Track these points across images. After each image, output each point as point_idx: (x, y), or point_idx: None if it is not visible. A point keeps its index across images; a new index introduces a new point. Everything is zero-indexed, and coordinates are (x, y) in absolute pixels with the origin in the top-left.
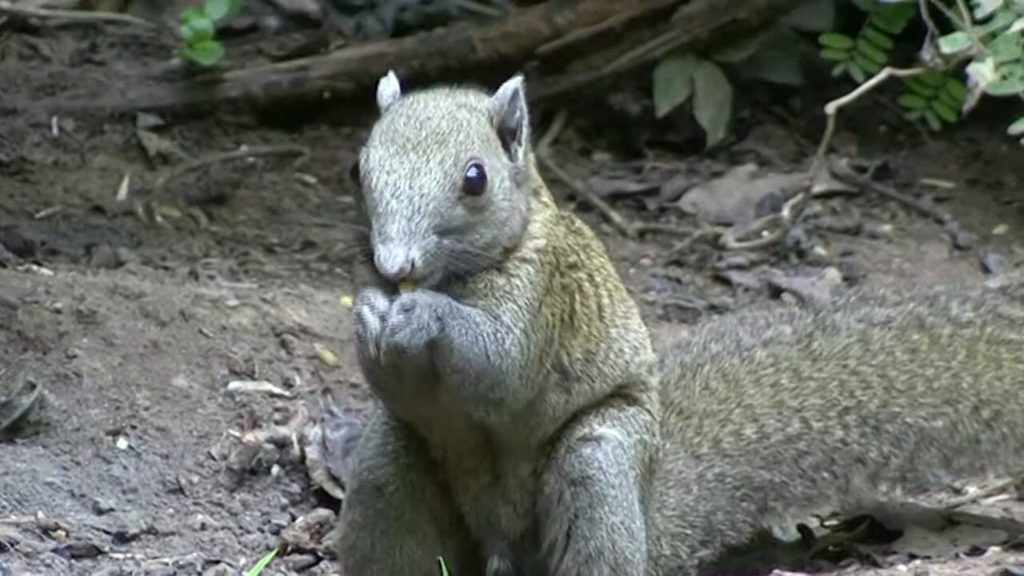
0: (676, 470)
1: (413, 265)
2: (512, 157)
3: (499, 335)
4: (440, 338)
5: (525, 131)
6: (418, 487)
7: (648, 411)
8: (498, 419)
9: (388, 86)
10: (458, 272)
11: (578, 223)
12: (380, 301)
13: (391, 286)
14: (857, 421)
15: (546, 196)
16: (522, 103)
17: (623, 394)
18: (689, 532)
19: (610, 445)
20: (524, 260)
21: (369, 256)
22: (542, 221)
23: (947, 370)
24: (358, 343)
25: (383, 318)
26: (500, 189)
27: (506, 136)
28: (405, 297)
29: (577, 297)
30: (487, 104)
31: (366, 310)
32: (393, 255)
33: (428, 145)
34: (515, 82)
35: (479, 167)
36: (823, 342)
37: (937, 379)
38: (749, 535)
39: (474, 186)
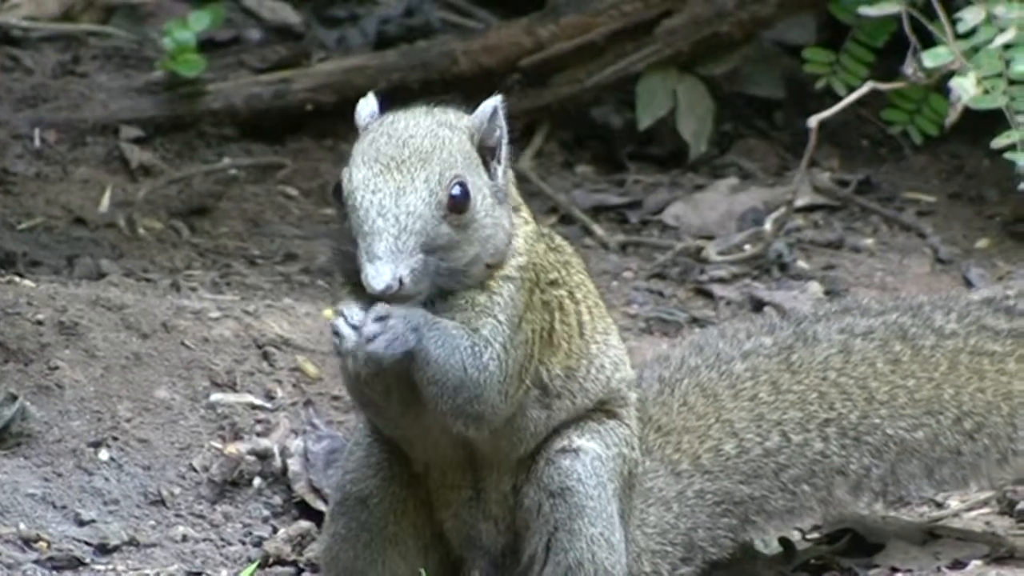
0: (656, 488)
1: (401, 283)
2: (492, 175)
3: (477, 348)
4: (417, 350)
5: (505, 149)
6: (401, 500)
7: (627, 425)
8: (478, 434)
9: (367, 106)
10: (442, 289)
11: (558, 240)
12: (355, 312)
13: (374, 303)
14: (837, 433)
15: (526, 213)
16: (502, 122)
17: (603, 409)
18: (670, 549)
19: (589, 457)
20: (506, 278)
21: (350, 274)
22: (523, 237)
23: (929, 381)
24: (338, 356)
25: (357, 328)
26: (483, 207)
27: (486, 154)
28: (380, 307)
29: (557, 314)
30: (467, 122)
31: (341, 322)
32: (381, 273)
33: (412, 164)
34: (494, 101)
35: (463, 185)
36: (803, 353)
37: (919, 390)
38: (731, 550)
39: (458, 204)
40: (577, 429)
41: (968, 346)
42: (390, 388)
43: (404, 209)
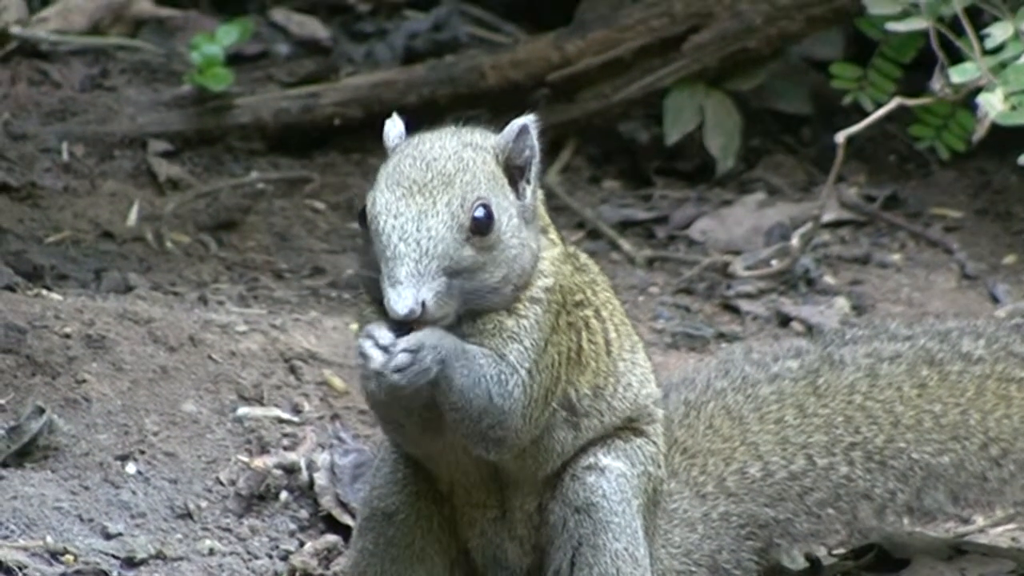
0: (681, 509)
1: (424, 307)
2: (520, 195)
3: (503, 376)
4: (441, 378)
5: (535, 169)
6: (427, 516)
7: (654, 443)
8: (499, 458)
9: (394, 127)
10: (471, 310)
11: (583, 258)
12: (385, 335)
13: (404, 328)
14: (863, 457)
15: (554, 234)
16: (533, 141)
17: (631, 426)
18: (694, 570)
19: (614, 475)
20: (533, 300)
21: (376, 299)
22: (550, 259)
23: (956, 406)
24: (361, 377)
25: (387, 350)
26: (508, 227)
27: (514, 173)
28: (412, 338)
29: (584, 334)
30: (493, 142)
31: (369, 344)
32: (403, 298)
33: (434, 187)
34: (525, 119)
35: (486, 207)
36: (829, 377)
37: (945, 415)
38: (755, 573)
39: (481, 226)
40: (603, 447)
41: (995, 372)
42: (411, 409)
43: (425, 233)
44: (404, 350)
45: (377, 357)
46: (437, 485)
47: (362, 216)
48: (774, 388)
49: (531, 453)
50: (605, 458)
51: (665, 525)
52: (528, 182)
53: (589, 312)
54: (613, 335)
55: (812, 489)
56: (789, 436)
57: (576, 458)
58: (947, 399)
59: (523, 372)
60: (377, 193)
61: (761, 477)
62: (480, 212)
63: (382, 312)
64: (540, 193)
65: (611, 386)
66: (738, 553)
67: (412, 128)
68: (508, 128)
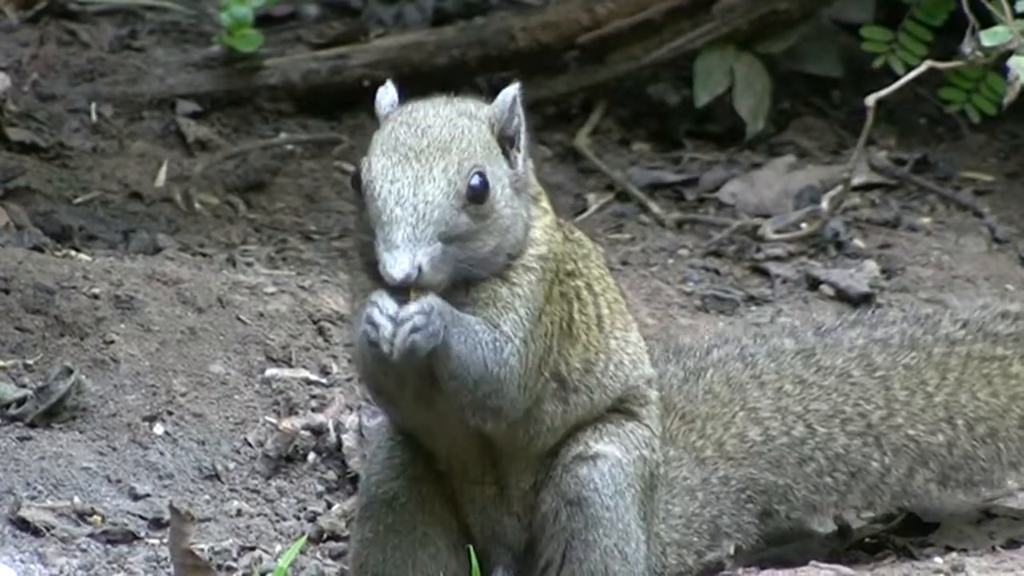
0: (680, 477)
1: (420, 271)
2: (512, 164)
3: (498, 344)
4: (440, 345)
5: (523, 138)
6: (427, 499)
7: (647, 426)
8: (495, 428)
9: (386, 95)
10: (464, 278)
11: (577, 233)
12: (389, 304)
13: (399, 292)
14: (860, 431)
15: (545, 202)
16: (520, 110)
17: (622, 408)
18: (695, 539)
19: (607, 464)
20: (527, 268)
21: (371, 264)
22: (542, 228)
23: (944, 385)
24: (368, 345)
25: (393, 319)
26: (502, 196)
27: (505, 143)
28: (425, 301)
29: (575, 304)
30: (487, 112)
31: (376, 312)
32: (399, 262)
33: (431, 153)
34: (513, 89)
35: (482, 175)
36: (824, 357)
37: (937, 394)
38: (756, 537)
39: (477, 194)
40: (595, 432)
41: (975, 352)
42: (405, 379)
43: (422, 198)
44: (418, 312)
45: (387, 324)
46: (435, 464)
47: (356, 181)
48: (773, 360)
49: (521, 426)
50: (597, 444)
51: (665, 496)
52: (519, 151)
53: (580, 283)
54: (605, 311)
55: (810, 458)
56: (788, 405)
57: (567, 445)
58: (936, 378)
59: (517, 341)
60: (372, 158)
61: (761, 441)
62: (476, 180)
63: (376, 278)
64: (530, 161)
65: (602, 363)
66: (738, 517)
67: (404, 102)
68: (500, 97)
